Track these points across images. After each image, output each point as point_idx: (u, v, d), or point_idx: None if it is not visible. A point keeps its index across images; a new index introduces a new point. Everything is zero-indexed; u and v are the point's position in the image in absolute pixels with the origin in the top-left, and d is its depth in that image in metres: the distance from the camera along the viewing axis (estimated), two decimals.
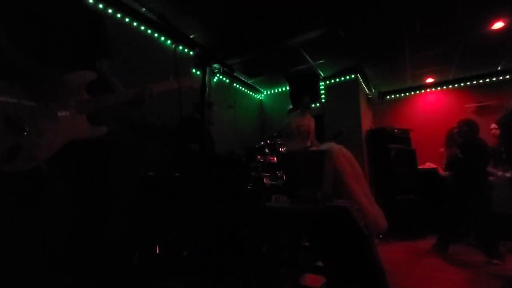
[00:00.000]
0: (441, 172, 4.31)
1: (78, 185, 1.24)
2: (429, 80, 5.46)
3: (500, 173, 3.57)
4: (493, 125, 3.89)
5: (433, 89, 5.63)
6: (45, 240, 1.10)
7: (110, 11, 2.95)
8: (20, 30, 1.12)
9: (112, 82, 1.43)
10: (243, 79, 5.24)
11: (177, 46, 3.63)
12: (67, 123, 1.13)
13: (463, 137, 3.36)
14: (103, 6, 2.88)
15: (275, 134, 2.95)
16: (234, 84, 5.10)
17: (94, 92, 1.26)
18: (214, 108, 3.20)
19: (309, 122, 3.84)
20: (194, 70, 3.81)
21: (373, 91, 5.76)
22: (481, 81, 5.21)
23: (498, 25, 3.61)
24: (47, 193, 1.11)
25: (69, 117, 1.14)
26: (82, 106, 1.18)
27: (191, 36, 3.68)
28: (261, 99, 5.95)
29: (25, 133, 1.01)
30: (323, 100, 5.17)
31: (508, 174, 3.53)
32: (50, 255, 1.11)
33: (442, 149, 4.19)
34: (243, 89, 5.40)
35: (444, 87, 5.55)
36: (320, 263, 2.16)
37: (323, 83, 5.18)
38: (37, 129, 1.05)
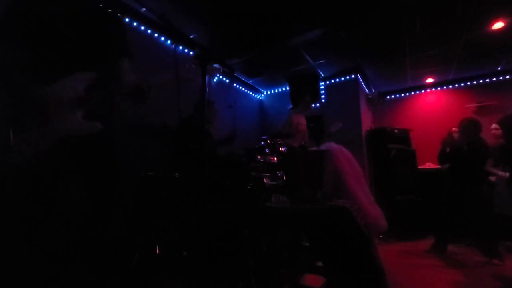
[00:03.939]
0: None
1: (73, 182, 1.24)
2: (429, 80, 5.46)
3: (501, 173, 3.56)
4: (493, 125, 3.89)
5: (433, 89, 5.63)
6: (45, 239, 1.10)
7: (109, 11, 2.94)
8: (28, 30, 1.13)
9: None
10: (243, 79, 5.24)
11: (177, 46, 3.63)
12: (58, 119, 1.12)
13: (467, 136, 3.35)
14: (103, 6, 2.88)
15: (275, 134, 2.95)
16: (234, 84, 5.10)
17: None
18: (214, 107, 3.20)
19: (305, 122, 3.88)
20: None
21: (373, 91, 5.76)
22: (481, 81, 5.21)
23: (498, 25, 3.61)
24: (45, 191, 1.11)
25: (61, 113, 1.13)
26: (75, 102, 1.17)
27: (191, 36, 3.69)
28: (261, 99, 5.95)
29: (14, 129, 1.02)
30: (323, 100, 5.17)
31: (506, 174, 3.52)
32: (50, 253, 1.11)
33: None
34: (243, 89, 5.40)
35: (444, 87, 5.55)
36: (320, 263, 2.16)
37: (323, 83, 5.18)
38: (27, 124, 1.05)
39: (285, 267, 2.17)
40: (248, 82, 5.40)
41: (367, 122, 5.27)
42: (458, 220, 3.41)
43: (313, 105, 5.09)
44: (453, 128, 3.73)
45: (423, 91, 5.72)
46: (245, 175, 2.40)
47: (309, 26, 3.59)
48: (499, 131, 3.67)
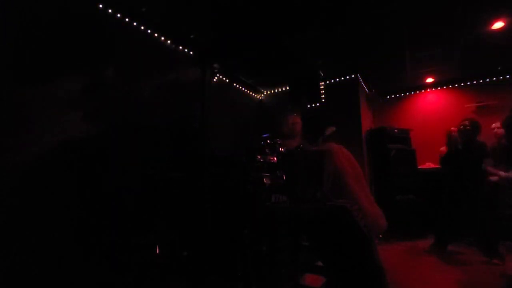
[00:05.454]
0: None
1: (77, 184, 1.24)
2: (429, 80, 5.46)
3: (502, 173, 3.54)
4: (494, 125, 3.89)
5: (433, 89, 5.63)
6: (47, 240, 1.10)
7: (110, 11, 2.94)
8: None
9: None
10: (243, 79, 5.24)
11: (177, 46, 3.63)
12: (56, 122, 1.12)
13: (464, 136, 3.36)
14: (103, 6, 2.88)
15: (275, 134, 2.95)
16: (234, 84, 5.10)
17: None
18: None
19: (300, 121, 3.88)
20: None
21: (373, 91, 5.75)
22: (481, 81, 5.21)
23: (498, 25, 3.61)
24: (49, 192, 1.11)
25: (58, 116, 1.13)
26: (73, 104, 1.17)
27: (191, 36, 3.68)
28: (261, 99, 5.95)
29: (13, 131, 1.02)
30: (323, 100, 5.16)
31: (510, 174, 3.50)
32: (52, 254, 1.11)
33: (442, 148, 4.18)
34: (243, 89, 5.40)
35: (444, 87, 5.54)
36: (320, 263, 2.16)
37: (323, 83, 5.17)
38: (25, 128, 1.05)
39: (285, 267, 2.17)
40: (248, 82, 5.40)
41: (367, 122, 5.27)
42: (458, 220, 3.41)
43: (313, 105, 5.10)
44: (452, 128, 3.72)
45: (423, 91, 5.71)
46: (245, 175, 2.40)
47: (309, 26, 3.59)
48: (500, 131, 3.68)
